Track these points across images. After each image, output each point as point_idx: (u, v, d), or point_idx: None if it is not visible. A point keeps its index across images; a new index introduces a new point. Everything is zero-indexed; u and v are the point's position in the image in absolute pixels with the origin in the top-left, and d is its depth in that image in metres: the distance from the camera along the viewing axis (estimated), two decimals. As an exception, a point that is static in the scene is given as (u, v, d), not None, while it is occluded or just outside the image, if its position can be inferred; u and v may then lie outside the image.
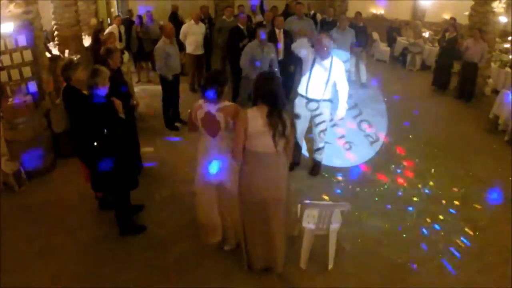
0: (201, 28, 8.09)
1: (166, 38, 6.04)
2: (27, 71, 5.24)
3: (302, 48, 4.86)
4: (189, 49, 7.98)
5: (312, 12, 10.20)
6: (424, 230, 4.21)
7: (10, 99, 4.95)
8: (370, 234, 4.10)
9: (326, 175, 5.18)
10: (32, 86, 5.28)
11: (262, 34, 6.26)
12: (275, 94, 3.01)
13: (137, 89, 7.84)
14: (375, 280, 3.54)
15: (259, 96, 3.07)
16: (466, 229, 4.25)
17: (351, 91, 4.84)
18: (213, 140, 3.37)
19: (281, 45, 7.04)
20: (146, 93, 8.12)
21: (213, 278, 3.51)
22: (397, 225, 4.25)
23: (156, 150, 5.79)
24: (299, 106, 4.87)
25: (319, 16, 10.11)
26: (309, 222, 3.54)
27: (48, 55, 6.50)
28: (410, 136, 6.39)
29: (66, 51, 7.22)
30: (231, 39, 7.33)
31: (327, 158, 5.25)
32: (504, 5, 8.15)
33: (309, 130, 5.09)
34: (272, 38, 7.02)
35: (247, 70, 6.22)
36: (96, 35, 7.85)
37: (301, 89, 4.86)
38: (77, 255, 3.79)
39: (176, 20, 9.75)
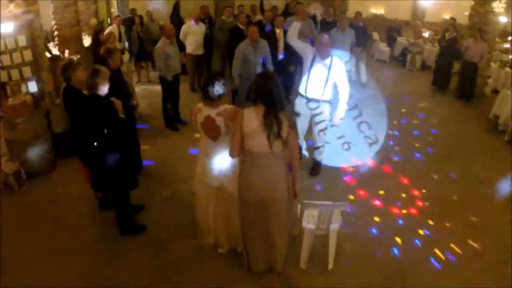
0: (201, 28, 8.09)
1: (166, 38, 6.03)
2: (27, 71, 5.24)
3: (294, 36, 4.84)
4: (189, 49, 7.98)
5: (312, 12, 10.19)
6: (424, 230, 4.20)
7: (10, 99, 4.95)
8: (370, 234, 4.10)
9: (326, 175, 5.18)
10: (32, 86, 5.29)
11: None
12: (272, 94, 2.99)
13: (137, 89, 7.84)
14: (375, 280, 3.54)
15: (257, 96, 3.07)
16: (466, 229, 4.25)
17: (351, 91, 4.84)
18: (213, 143, 3.37)
19: (281, 45, 7.05)
20: (146, 93, 8.12)
21: (213, 278, 3.51)
22: (397, 225, 4.26)
23: (156, 150, 5.79)
24: (299, 105, 4.88)
25: (319, 16, 10.11)
26: (309, 222, 3.54)
27: (48, 55, 6.49)
28: (410, 136, 6.39)
29: (66, 51, 7.21)
30: (231, 39, 7.33)
31: (327, 158, 5.25)
32: (504, 5, 8.14)
33: (309, 129, 5.09)
34: (272, 38, 7.03)
35: (238, 70, 6.23)
36: (96, 35, 7.85)
37: (301, 88, 4.86)
38: (77, 255, 3.78)
39: (178, 16, 9.75)
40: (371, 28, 11.20)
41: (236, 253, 3.70)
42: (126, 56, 6.95)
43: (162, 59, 5.98)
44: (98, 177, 3.90)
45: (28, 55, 5.22)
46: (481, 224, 4.33)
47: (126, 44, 9.62)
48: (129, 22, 9.52)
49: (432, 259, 3.79)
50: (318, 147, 5.08)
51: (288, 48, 7.06)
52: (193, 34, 7.93)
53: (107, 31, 8.09)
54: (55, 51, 7.33)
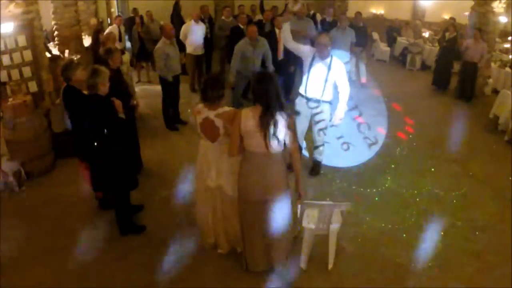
0: (201, 28, 8.09)
1: (166, 38, 6.03)
2: (27, 71, 5.24)
3: (288, 38, 4.86)
4: (189, 49, 7.98)
5: (312, 12, 10.20)
6: (424, 230, 4.20)
7: (10, 99, 4.95)
8: (370, 234, 4.10)
9: (326, 175, 5.18)
10: (32, 86, 5.29)
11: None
12: (269, 94, 2.98)
13: (137, 89, 7.82)
14: (375, 280, 3.54)
15: (255, 96, 3.07)
16: (466, 229, 4.25)
17: (351, 91, 4.84)
18: (212, 144, 3.37)
19: (281, 45, 7.05)
20: (146, 93, 8.12)
21: (213, 278, 3.51)
22: (397, 225, 4.25)
23: (156, 150, 5.79)
24: (300, 104, 4.89)
25: (319, 16, 10.12)
26: (309, 222, 3.54)
27: (48, 55, 6.50)
28: (410, 136, 6.39)
29: (66, 51, 7.22)
30: (232, 39, 7.34)
31: (327, 158, 5.25)
32: (504, 5, 8.14)
33: (309, 129, 5.09)
34: (272, 38, 7.04)
35: (236, 68, 6.24)
36: (96, 35, 7.85)
37: (301, 88, 4.87)
38: (77, 255, 3.78)
39: (178, 15, 9.74)
40: (371, 28, 11.19)
41: (236, 253, 3.70)
42: (126, 57, 6.94)
43: (162, 59, 5.98)
44: (98, 177, 3.90)
45: (28, 55, 5.22)
46: (481, 224, 4.33)
47: (127, 44, 9.63)
48: (131, 22, 9.52)
49: (432, 259, 3.79)
50: (317, 147, 5.08)
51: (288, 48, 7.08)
52: (193, 34, 7.93)
53: (107, 31, 8.09)
54: (55, 51, 7.34)
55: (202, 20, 8.31)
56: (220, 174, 3.40)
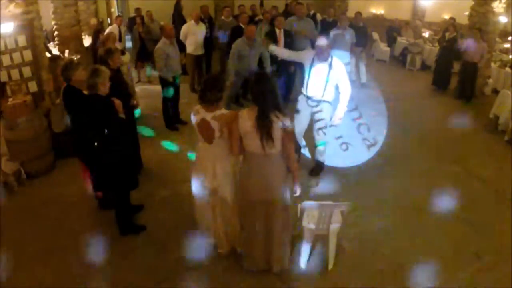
0: (202, 28, 8.09)
1: (166, 38, 6.03)
2: (27, 71, 5.24)
3: (281, 53, 5.11)
4: (189, 49, 7.98)
5: (312, 12, 10.20)
6: (424, 230, 4.20)
7: (10, 99, 4.95)
8: (370, 234, 4.10)
9: (326, 175, 5.17)
10: (32, 86, 5.29)
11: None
12: (265, 95, 2.97)
13: (137, 89, 7.83)
14: (375, 280, 3.54)
15: (252, 97, 3.07)
16: (466, 229, 4.25)
17: (351, 91, 4.85)
18: (209, 146, 3.38)
19: (281, 45, 7.05)
20: (146, 93, 8.12)
21: (213, 278, 3.51)
22: (397, 225, 4.26)
23: (156, 150, 5.79)
24: (300, 103, 4.94)
25: (319, 16, 10.12)
26: (309, 222, 3.54)
27: (48, 55, 6.50)
28: (410, 136, 6.39)
29: (66, 51, 7.22)
30: (232, 39, 7.33)
31: (327, 158, 5.25)
32: (504, 5, 8.14)
33: (310, 129, 5.10)
34: (273, 38, 7.03)
35: (234, 68, 6.25)
36: (97, 35, 7.85)
37: (303, 89, 4.89)
38: (77, 255, 3.78)
39: (180, 15, 9.74)
40: (371, 28, 11.19)
41: (236, 253, 3.70)
42: (127, 57, 6.94)
43: (163, 59, 5.97)
44: (98, 177, 3.90)
45: (28, 55, 5.22)
46: (481, 224, 4.33)
47: (127, 44, 9.63)
48: (133, 22, 9.52)
49: (432, 259, 3.79)
50: (317, 145, 5.07)
51: (288, 48, 7.07)
52: (193, 34, 7.93)
53: (107, 31, 8.10)
54: (55, 51, 7.34)
55: (202, 20, 8.31)
56: (215, 176, 3.41)
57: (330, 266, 3.61)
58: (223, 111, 3.27)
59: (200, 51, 8.13)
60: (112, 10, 13.20)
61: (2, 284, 3.39)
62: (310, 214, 3.57)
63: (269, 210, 3.19)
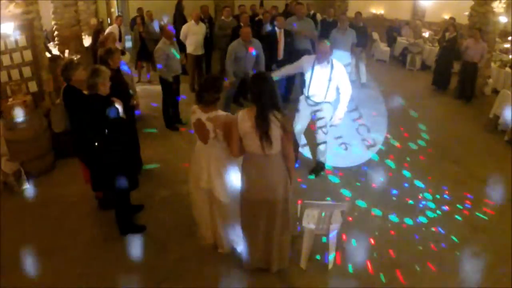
0: (202, 28, 8.09)
1: (166, 39, 6.03)
2: (27, 71, 5.25)
3: (280, 73, 5.05)
4: (189, 49, 7.98)
5: (312, 12, 10.20)
6: (424, 230, 4.20)
7: (10, 99, 4.96)
8: (370, 233, 4.10)
9: (326, 175, 5.18)
10: (32, 86, 5.29)
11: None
12: (263, 95, 2.97)
13: (137, 89, 7.83)
14: (375, 280, 3.54)
15: (251, 97, 3.08)
16: (466, 229, 4.25)
17: (352, 91, 4.86)
18: (204, 146, 3.39)
19: (281, 45, 7.05)
20: (146, 93, 8.12)
21: (213, 278, 3.51)
22: (397, 225, 4.26)
23: (156, 150, 5.79)
24: (301, 102, 4.96)
25: (319, 16, 10.12)
26: (309, 222, 3.54)
27: (48, 55, 6.50)
28: (410, 136, 6.39)
29: (66, 51, 7.23)
30: (233, 39, 7.33)
31: (327, 158, 5.25)
32: (504, 5, 8.15)
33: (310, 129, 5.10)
34: (273, 38, 7.04)
35: (230, 70, 6.29)
36: (97, 35, 7.86)
37: (304, 90, 4.90)
38: (77, 255, 3.78)
39: (181, 15, 9.72)
40: (371, 28, 11.19)
41: (236, 253, 3.70)
42: (127, 57, 6.95)
43: (163, 59, 5.97)
44: (98, 177, 3.90)
45: (28, 55, 5.22)
46: (481, 224, 4.33)
47: (127, 44, 9.62)
48: (135, 21, 9.51)
49: (432, 259, 3.79)
50: (318, 144, 5.07)
51: (288, 48, 7.08)
52: (193, 34, 7.92)
53: (107, 31, 8.10)
54: (55, 51, 7.34)
55: (202, 20, 8.31)
56: (210, 177, 3.42)
57: (330, 266, 3.61)
58: (219, 112, 3.28)
59: (200, 51, 8.13)
60: (112, 10, 13.20)
61: (2, 284, 3.39)
62: (310, 214, 3.57)
63: (269, 210, 3.19)
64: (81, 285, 3.46)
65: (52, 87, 5.83)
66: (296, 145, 5.04)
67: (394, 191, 4.89)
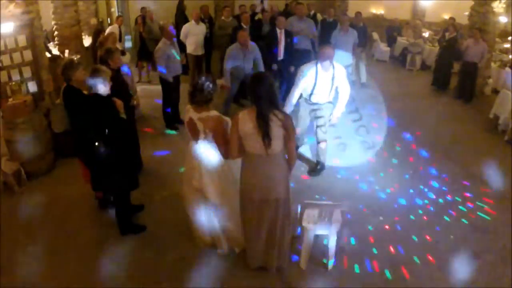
0: (202, 28, 8.09)
1: (167, 39, 6.03)
2: (27, 71, 5.24)
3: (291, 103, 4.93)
4: (189, 49, 7.98)
5: (312, 12, 10.20)
6: (424, 229, 4.20)
7: (10, 99, 4.95)
8: (370, 234, 4.10)
9: (326, 175, 5.18)
10: (32, 86, 5.29)
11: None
12: (262, 95, 2.97)
13: (137, 89, 7.83)
14: (375, 280, 3.54)
15: (250, 97, 3.08)
16: (466, 229, 4.25)
17: (352, 91, 4.87)
18: (196, 145, 3.41)
19: (281, 45, 7.05)
20: (146, 93, 8.12)
21: (213, 277, 3.51)
22: (397, 225, 4.25)
23: (156, 150, 5.79)
24: (301, 103, 4.97)
25: (319, 16, 10.12)
26: (309, 222, 3.54)
27: (48, 55, 6.50)
28: (410, 136, 6.39)
29: (66, 51, 7.23)
30: (233, 39, 7.33)
31: (327, 158, 5.25)
32: (504, 5, 8.14)
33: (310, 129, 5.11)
34: (273, 38, 7.03)
35: (227, 73, 6.30)
36: (97, 35, 7.85)
37: (306, 94, 4.90)
38: (77, 255, 3.79)
39: (183, 15, 9.72)
40: (371, 28, 11.19)
41: (235, 253, 3.71)
42: (127, 57, 6.95)
43: (163, 60, 5.97)
44: (98, 177, 3.90)
45: (28, 55, 5.22)
46: (481, 224, 4.33)
47: (126, 44, 9.62)
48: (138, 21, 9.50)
49: (432, 259, 3.79)
50: (318, 142, 5.08)
51: (288, 48, 7.08)
52: (193, 34, 7.93)
53: (107, 30, 8.10)
54: (55, 51, 7.34)
55: (202, 20, 8.31)
56: (201, 177, 3.43)
57: (330, 266, 3.61)
58: (210, 113, 3.29)
59: (200, 51, 8.13)
60: (112, 10, 13.21)
61: (2, 284, 3.39)
62: (310, 214, 3.57)
63: (271, 209, 3.20)
64: (81, 285, 3.46)
65: (52, 87, 5.82)
66: (296, 145, 5.05)
67: (394, 191, 4.88)
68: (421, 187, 5.00)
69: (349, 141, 5.89)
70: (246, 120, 3.03)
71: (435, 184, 5.07)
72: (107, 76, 3.67)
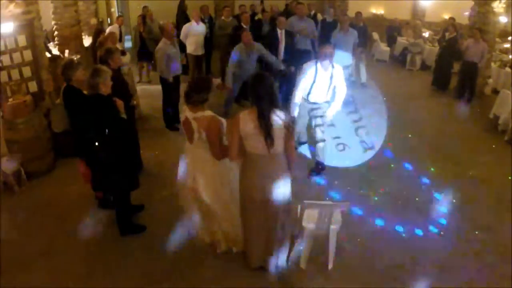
0: (202, 28, 8.09)
1: (167, 39, 6.03)
2: (27, 71, 5.24)
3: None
4: (189, 49, 7.98)
5: (312, 12, 10.21)
6: (424, 230, 4.20)
7: (10, 99, 4.95)
8: (370, 234, 4.10)
9: (326, 175, 5.17)
10: (32, 86, 5.29)
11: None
12: (263, 95, 2.97)
13: (137, 88, 7.83)
14: (375, 280, 3.54)
15: (251, 98, 3.08)
16: (466, 229, 4.25)
17: (351, 91, 4.88)
18: (191, 145, 3.43)
19: (282, 46, 7.05)
20: (146, 93, 8.12)
21: (213, 277, 3.51)
22: (397, 225, 4.25)
23: (156, 150, 5.79)
24: (300, 103, 4.95)
25: (319, 16, 10.12)
26: (309, 222, 3.54)
27: (48, 55, 6.49)
28: (410, 136, 6.39)
29: (66, 51, 7.22)
30: (233, 39, 7.33)
31: (327, 158, 5.25)
32: (504, 5, 8.14)
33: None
34: (273, 38, 7.03)
35: (230, 75, 6.35)
36: (97, 35, 7.85)
37: (304, 93, 4.91)
38: (77, 255, 3.79)
39: (184, 14, 9.72)
40: (371, 28, 11.18)
41: (235, 253, 3.70)
42: (127, 57, 6.94)
43: (164, 60, 5.97)
44: (98, 177, 3.90)
45: (28, 55, 5.21)
46: (481, 224, 4.33)
47: (126, 44, 9.61)
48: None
49: (433, 259, 3.79)
50: (317, 142, 5.08)
51: (289, 48, 7.08)
52: (193, 34, 7.93)
53: (107, 31, 8.09)
54: (55, 51, 7.34)
55: (202, 20, 8.31)
56: (195, 177, 3.44)
57: (330, 266, 3.61)
58: (205, 113, 3.30)
59: (200, 51, 8.13)
60: (112, 10, 13.21)
61: (2, 284, 3.39)
62: (310, 214, 3.57)
63: (271, 209, 3.20)
64: (81, 285, 3.46)
65: (52, 87, 5.82)
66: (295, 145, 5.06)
67: (394, 191, 4.88)
68: (421, 187, 5.00)
69: (349, 141, 5.89)
70: (247, 121, 3.03)
71: (435, 184, 5.07)
72: (107, 76, 3.67)
